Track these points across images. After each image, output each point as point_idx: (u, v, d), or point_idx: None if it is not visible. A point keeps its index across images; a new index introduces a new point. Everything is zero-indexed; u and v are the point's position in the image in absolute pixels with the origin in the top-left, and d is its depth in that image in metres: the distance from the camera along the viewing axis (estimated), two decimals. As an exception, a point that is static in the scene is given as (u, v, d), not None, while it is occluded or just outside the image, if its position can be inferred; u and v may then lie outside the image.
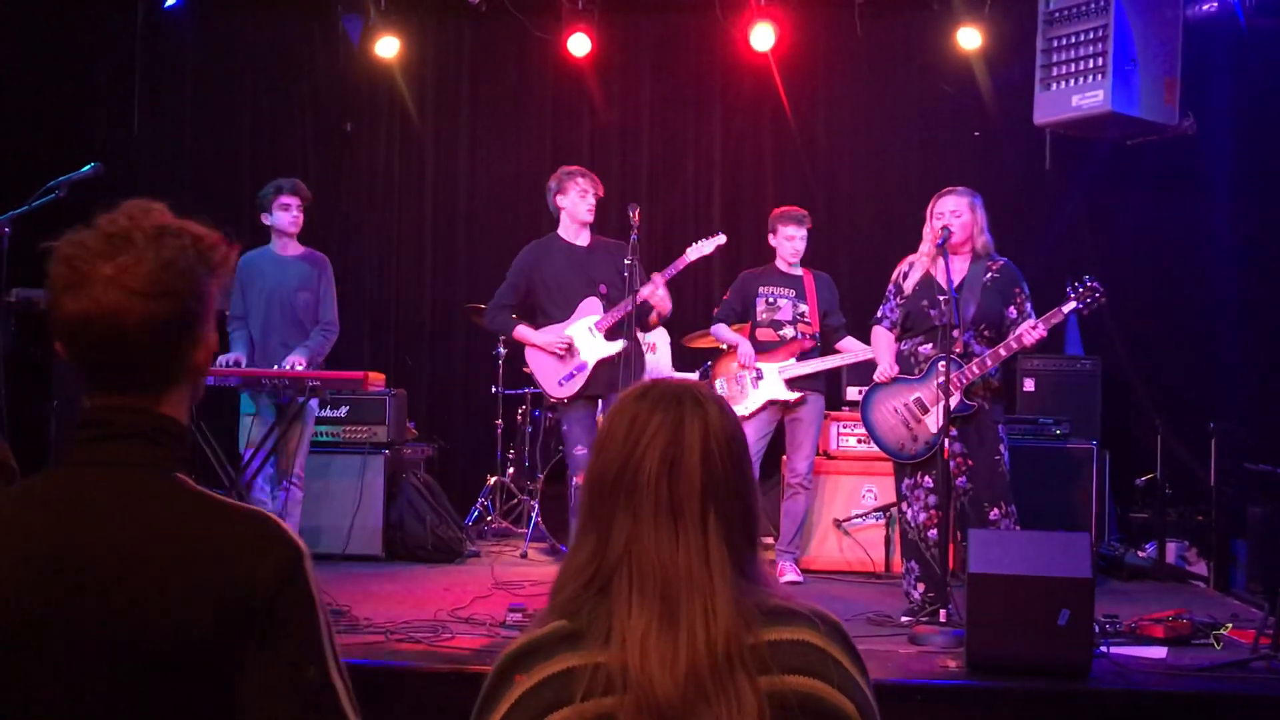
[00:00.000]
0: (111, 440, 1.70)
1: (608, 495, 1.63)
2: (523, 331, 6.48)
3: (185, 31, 9.17)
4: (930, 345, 5.72)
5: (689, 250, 6.62)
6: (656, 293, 6.38)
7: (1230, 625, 5.34)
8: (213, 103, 9.37)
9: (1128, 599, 6.28)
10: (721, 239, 6.71)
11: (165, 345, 1.70)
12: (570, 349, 6.34)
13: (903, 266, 5.93)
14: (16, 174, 6.61)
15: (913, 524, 5.74)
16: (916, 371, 5.77)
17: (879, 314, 6.00)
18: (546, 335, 6.39)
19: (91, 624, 1.59)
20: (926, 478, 5.68)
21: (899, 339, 5.91)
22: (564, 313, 6.43)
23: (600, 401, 6.48)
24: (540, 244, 6.60)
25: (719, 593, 1.56)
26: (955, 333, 5.54)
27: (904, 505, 5.81)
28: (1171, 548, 7.31)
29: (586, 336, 6.36)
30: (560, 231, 6.54)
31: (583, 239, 6.52)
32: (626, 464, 1.61)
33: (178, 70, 9.34)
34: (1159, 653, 4.95)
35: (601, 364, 6.36)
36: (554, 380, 6.39)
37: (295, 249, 6.63)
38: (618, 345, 6.33)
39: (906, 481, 5.79)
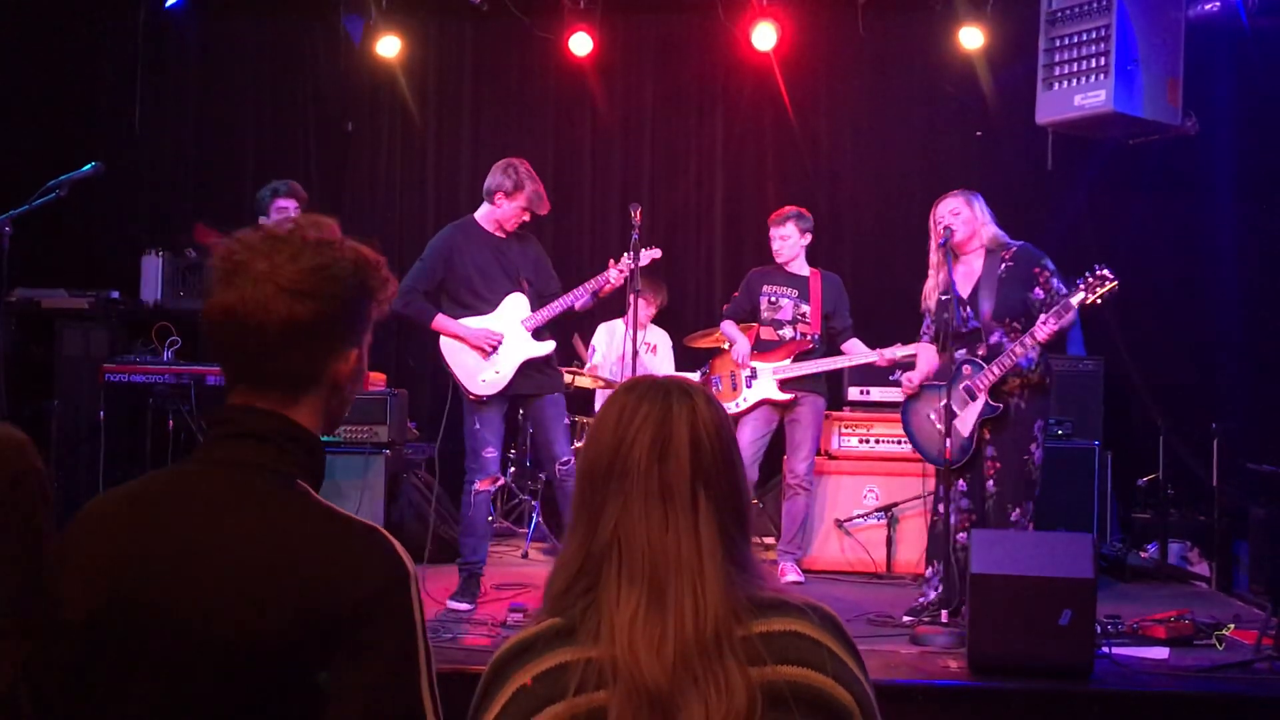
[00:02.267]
0: (237, 439, 1.71)
1: (599, 484, 1.64)
2: (444, 321, 6.00)
3: (186, 31, 9.17)
4: (963, 349, 5.66)
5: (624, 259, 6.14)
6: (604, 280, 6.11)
7: (1232, 626, 5.34)
8: (214, 102, 9.36)
9: (1130, 599, 6.28)
10: (657, 253, 6.38)
11: (303, 347, 1.71)
12: (498, 346, 5.96)
13: (924, 288, 5.84)
14: (17, 173, 6.61)
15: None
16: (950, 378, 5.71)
17: (921, 330, 5.99)
18: (472, 328, 5.96)
19: (196, 624, 1.59)
20: (960, 481, 5.66)
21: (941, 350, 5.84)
22: (486, 305, 6.02)
23: (519, 406, 6.28)
24: (460, 228, 6.18)
25: (708, 575, 1.57)
26: (984, 335, 5.53)
27: (941, 506, 5.75)
28: (1173, 548, 7.31)
29: (514, 333, 5.98)
30: (479, 219, 6.14)
31: (499, 232, 6.13)
32: (617, 451, 1.63)
33: (179, 70, 9.34)
34: (1161, 653, 4.95)
35: (526, 364, 6.00)
36: (475, 376, 5.96)
37: None
38: (547, 346, 6.04)
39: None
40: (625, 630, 1.53)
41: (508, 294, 6.04)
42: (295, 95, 9.46)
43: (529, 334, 6.03)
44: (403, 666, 1.62)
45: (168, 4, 8.76)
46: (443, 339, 6.06)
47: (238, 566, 1.61)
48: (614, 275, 6.11)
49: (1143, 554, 7.33)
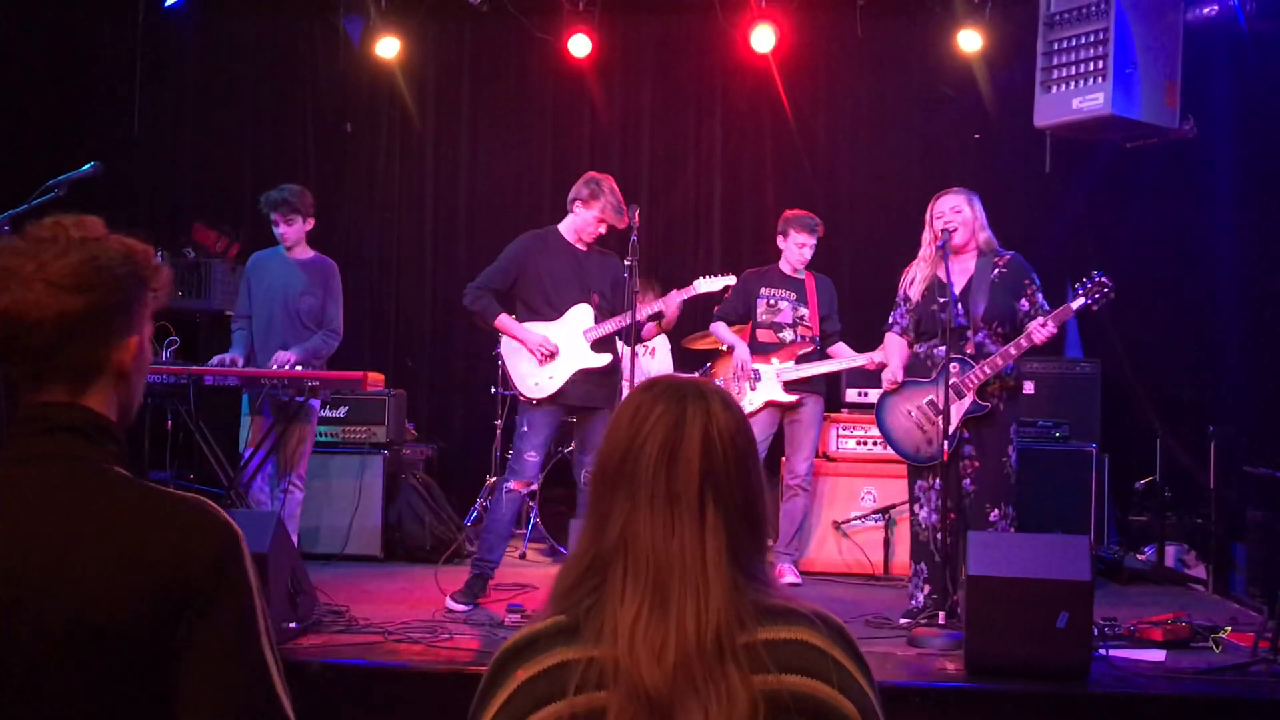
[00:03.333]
0: (45, 435, 1.75)
1: (610, 484, 1.64)
2: (506, 322, 6.08)
3: (186, 31, 9.18)
4: (944, 347, 5.70)
5: (697, 282, 6.50)
6: (671, 303, 6.34)
7: (1229, 629, 5.34)
8: (213, 102, 9.38)
9: (1126, 602, 6.28)
10: (731, 279, 6.64)
11: (82, 340, 1.74)
12: (553, 355, 6.00)
13: (908, 273, 5.94)
14: (16, 173, 6.61)
15: (925, 525, 5.73)
16: (932, 374, 5.75)
17: (890, 320, 6.00)
18: (532, 334, 6.03)
19: (32, 617, 1.62)
20: (938, 480, 5.68)
21: (914, 343, 5.90)
22: (553, 312, 6.09)
23: (570, 414, 6.29)
24: (539, 235, 6.25)
25: (712, 582, 1.56)
26: (969, 333, 5.54)
27: (916, 507, 5.80)
28: (1170, 551, 7.31)
29: (572, 343, 6.04)
30: (561, 229, 6.23)
31: (580, 244, 6.25)
32: (628, 452, 1.62)
33: (178, 70, 9.35)
34: (1157, 656, 4.96)
35: (581, 374, 6.02)
36: (528, 380, 6.03)
37: (304, 253, 6.61)
38: (604, 359, 6.05)
39: (920, 484, 5.77)
40: (627, 633, 1.53)
41: (574, 304, 6.10)
42: (294, 96, 9.48)
43: (588, 345, 6.06)
44: (246, 628, 1.69)
45: (167, 4, 8.77)
46: (504, 339, 6.18)
47: (70, 557, 1.64)
48: (700, 285, 6.48)
49: (1140, 556, 7.34)
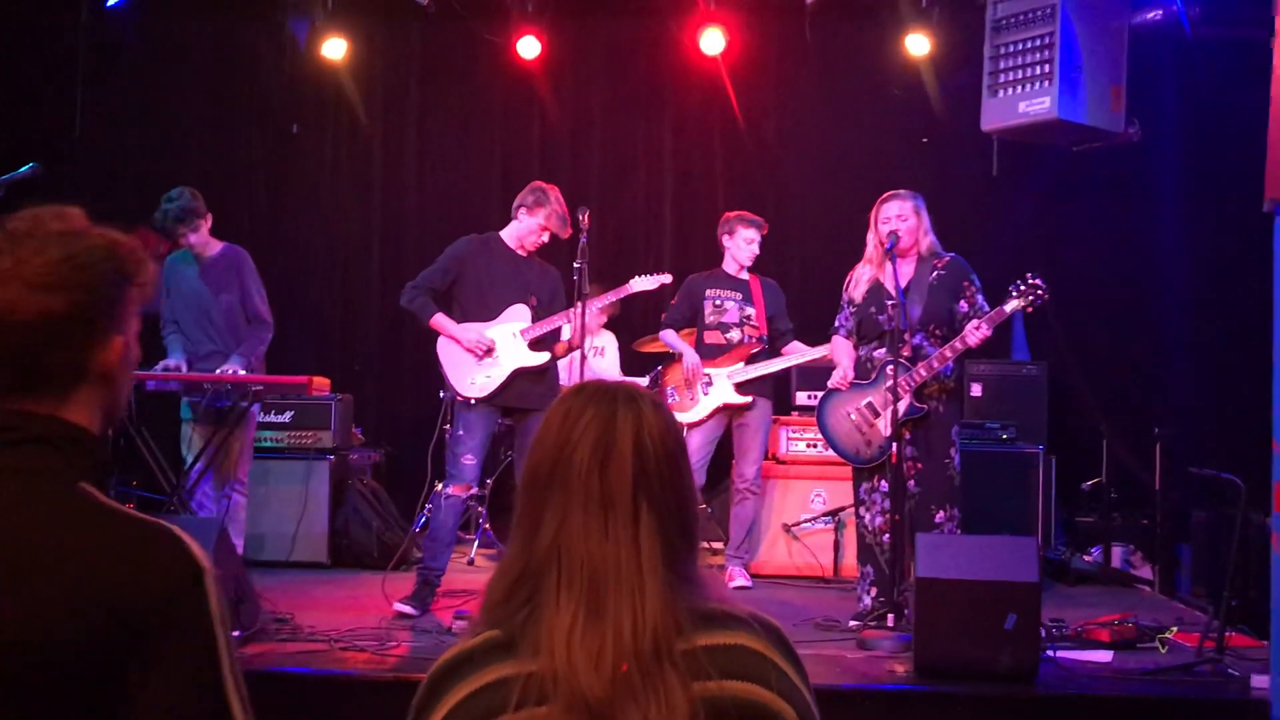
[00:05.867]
0: (13, 447, 1.65)
1: (540, 490, 1.61)
2: (441, 321, 6.04)
3: (128, 31, 9.03)
4: (882, 350, 5.73)
5: (633, 281, 6.51)
6: (591, 309, 6.28)
7: (1175, 629, 5.38)
8: (157, 103, 9.25)
9: (1074, 603, 6.32)
10: (667, 278, 6.63)
11: (64, 342, 1.64)
12: (490, 351, 5.98)
13: (852, 275, 5.96)
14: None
15: (869, 528, 5.75)
16: (871, 376, 5.78)
17: (835, 324, 6.03)
18: (468, 332, 5.99)
19: None
20: (883, 482, 5.69)
21: (856, 346, 5.93)
22: (489, 314, 6.05)
23: (505, 413, 6.22)
24: (480, 239, 6.23)
25: (648, 585, 1.54)
26: (905, 336, 5.56)
27: (860, 510, 5.82)
28: (1117, 552, 7.38)
29: (509, 341, 6.01)
30: (504, 235, 6.21)
31: (522, 250, 6.20)
32: (559, 457, 1.60)
33: (121, 70, 9.21)
34: (1105, 656, 4.98)
35: (518, 373, 6.00)
36: (464, 379, 5.99)
37: (212, 248, 6.40)
38: (541, 358, 6.03)
39: (864, 486, 5.79)
40: (564, 641, 1.50)
41: (511, 305, 6.07)
42: (240, 97, 9.37)
43: (525, 343, 6.02)
44: (206, 664, 1.58)
45: (109, 3, 8.64)
46: (440, 339, 6.10)
47: (20, 574, 1.55)
48: (635, 284, 6.52)
49: (1086, 558, 7.39)
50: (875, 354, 5.79)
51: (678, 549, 1.60)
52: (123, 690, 1.54)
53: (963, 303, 5.71)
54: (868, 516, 5.76)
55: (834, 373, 5.95)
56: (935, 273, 5.75)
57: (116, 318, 1.70)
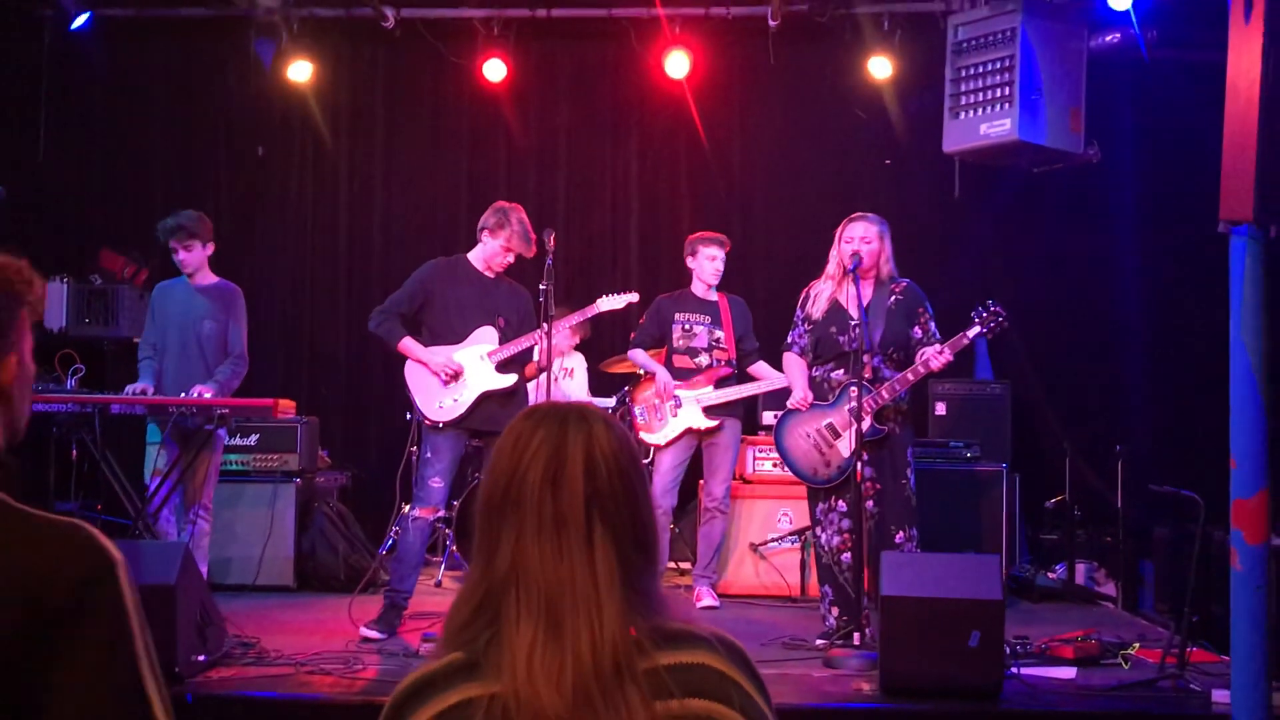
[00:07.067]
0: None
1: (495, 514, 1.62)
2: (409, 345, 6.05)
3: (93, 53, 8.99)
4: (841, 370, 5.78)
5: (600, 301, 6.51)
6: (559, 329, 6.33)
7: (1138, 645, 5.43)
8: (123, 126, 9.23)
9: (1038, 620, 6.37)
10: (634, 297, 6.64)
11: None
12: (457, 375, 5.98)
13: (809, 291, 6.00)
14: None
15: (826, 548, 5.78)
16: (829, 397, 5.82)
17: (789, 340, 6.05)
18: (435, 355, 6.00)
19: None
20: (840, 502, 5.73)
21: (811, 365, 5.96)
22: (456, 337, 6.06)
23: (474, 435, 6.20)
24: (447, 263, 6.25)
25: (605, 603, 1.54)
26: (865, 357, 5.60)
27: (818, 530, 5.86)
28: (1081, 569, 7.43)
29: (477, 364, 6.00)
30: (471, 258, 6.22)
31: (489, 272, 6.22)
32: (512, 479, 1.61)
33: (86, 93, 9.18)
34: (1068, 673, 5.02)
35: (486, 396, 5.98)
36: (432, 402, 5.99)
37: (207, 279, 6.49)
38: (509, 380, 6.02)
39: (820, 506, 5.83)
40: (524, 662, 1.51)
41: (478, 328, 6.07)
42: (205, 120, 9.35)
43: (492, 366, 6.02)
44: (118, 656, 1.60)
45: (74, 25, 8.61)
46: (408, 363, 6.09)
47: None
48: (602, 304, 6.50)
49: (1050, 575, 7.44)
50: (833, 375, 5.84)
51: (636, 566, 1.61)
52: (44, 681, 1.56)
53: (917, 329, 5.78)
54: (824, 536, 5.80)
55: (793, 393, 5.98)
56: (893, 297, 5.82)
57: (9, 337, 1.74)
